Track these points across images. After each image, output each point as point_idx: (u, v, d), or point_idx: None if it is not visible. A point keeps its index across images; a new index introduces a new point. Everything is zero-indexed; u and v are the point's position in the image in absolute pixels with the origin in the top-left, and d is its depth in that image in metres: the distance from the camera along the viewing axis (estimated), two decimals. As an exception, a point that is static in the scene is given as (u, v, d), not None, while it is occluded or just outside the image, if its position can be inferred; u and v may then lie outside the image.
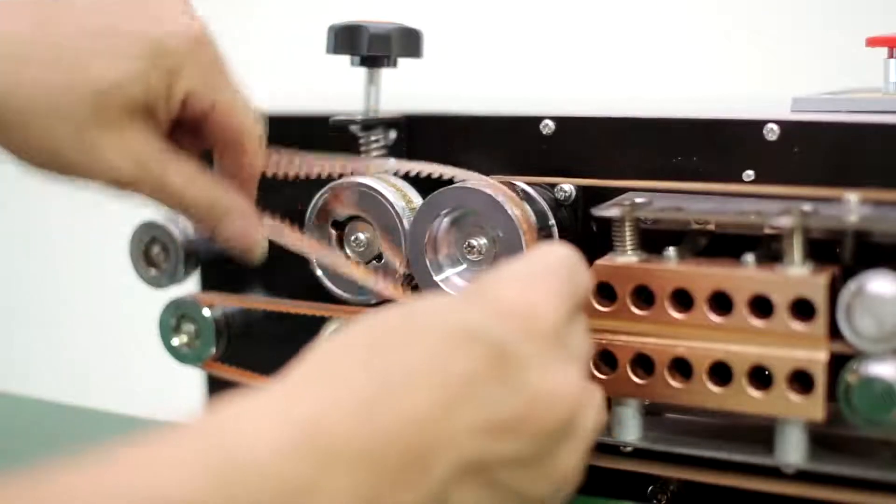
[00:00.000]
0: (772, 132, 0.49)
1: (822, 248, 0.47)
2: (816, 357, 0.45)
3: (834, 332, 0.45)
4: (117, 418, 0.60)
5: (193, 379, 0.66)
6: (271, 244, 0.55)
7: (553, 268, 0.40)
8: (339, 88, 0.62)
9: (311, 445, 0.33)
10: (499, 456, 0.36)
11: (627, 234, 0.49)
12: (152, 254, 0.60)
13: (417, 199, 0.54)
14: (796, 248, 0.46)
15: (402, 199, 0.55)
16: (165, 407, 0.66)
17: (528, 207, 0.51)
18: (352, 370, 0.36)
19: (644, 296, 0.48)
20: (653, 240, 0.49)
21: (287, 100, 0.60)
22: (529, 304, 0.38)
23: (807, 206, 0.46)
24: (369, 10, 0.59)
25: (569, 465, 0.38)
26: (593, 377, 0.49)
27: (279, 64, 1.05)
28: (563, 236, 0.52)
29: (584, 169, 0.53)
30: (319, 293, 0.57)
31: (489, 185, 0.51)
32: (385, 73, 0.58)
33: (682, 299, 0.47)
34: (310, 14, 0.82)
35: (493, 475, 0.36)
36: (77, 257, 1.44)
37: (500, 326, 0.37)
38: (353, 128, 0.57)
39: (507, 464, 0.36)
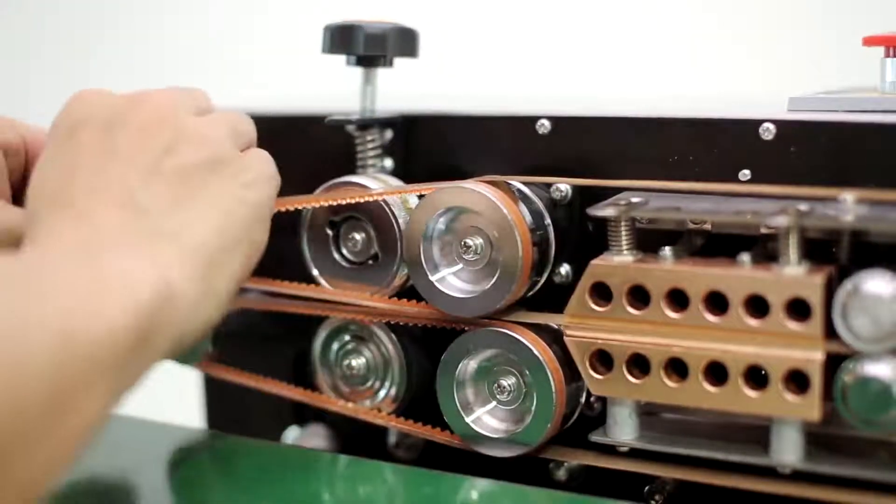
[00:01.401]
0: (768, 131, 0.49)
1: (819, 248, 0.47)
2: (812, 357, 0.45)
3: (830, 332, 0.45)
4: (115, 418, 0.60)
5: (190, 379, 0.66)
6: (270, 242, 0.55)
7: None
8: (335, 88, 0.62)
9: None
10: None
11: (623, 233, 0.49)
12: None
13: (413, 199, 0.54)
14: (792, 248, 0.46)
15: (398, 199, 0.55)
16: (162, 407, 0.66)
17: (523, 207, 0.51)
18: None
19: (640, 295, 0.48)
20: (649, 239, 0.49)
21: (283, 99, 0.60)
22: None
23: (803, 206, 0.46)
24: (365, 9, 0.58)
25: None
26: (590, 377, 0.49)
27: (275, 63, 1.05)
28: (558, 236, 0.52)
29: (580, 168, 0.53)
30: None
31: (485, 184, 0.51)
32: (381, 72, 0.58)
33: (678, 299, 0.47)
34: (306, 13, 0.82)
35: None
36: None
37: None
38: (350, 127, 0.57)
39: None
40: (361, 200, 0.54)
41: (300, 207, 0.56)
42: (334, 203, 0.55)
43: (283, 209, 0.55)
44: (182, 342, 0.43)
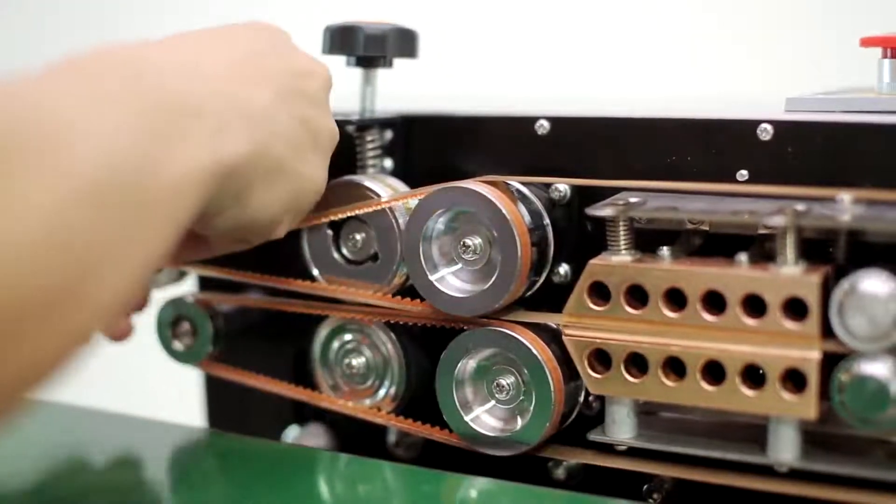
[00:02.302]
0: (765, 132, 0.49)
1: (816, 248, 0.47)
2: (809, 356, 0.45)
3: (827, 331, 0.45)
4: (114, 418, 0.60)
5: (191, 378, 0.66)
6: (273, 242, 0.55)
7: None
8: (334, 89, 0.62)
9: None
10: (301, 91, 0.49)
11: (622, 233, 0.49)
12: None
13: (413, 199, 0.54)
14: (789, 248, 0.46)
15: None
16: (163, 406, 0.66)
17: (522, 207, 0.51)
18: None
19: (638, 295, 0.48)
20: (647, 239, 0.50)
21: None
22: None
23: (800, 206, 0.46)
24: (365, 10, 0.59)
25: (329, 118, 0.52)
26: (589, 376, 0.50)
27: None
28: (557, 236, 0.53)
29: (578, 169, 0.53)
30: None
31: (484, 185, 0.51)
32: (381, 73, 0.58)
33: (676, 298, 0.48)
34: (306, 14, 0.82)
35: (299, 108, 0.48)
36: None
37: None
38: (349, 128, 0.57)
39: (305, 99, 0.49)
40: (368, 210, 0.54)
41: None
42: (342, 216, 0.55)
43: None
44: (222, 227, 0.46)
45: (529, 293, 0.53)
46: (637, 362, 0.49)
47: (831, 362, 0.45)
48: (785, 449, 0.47)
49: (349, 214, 0.55)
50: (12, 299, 0.33)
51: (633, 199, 0.49)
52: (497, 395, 0.52)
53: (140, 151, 0.37)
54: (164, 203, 0.38)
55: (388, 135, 0.58)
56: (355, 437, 0.61)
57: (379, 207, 0.54)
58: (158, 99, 0.39)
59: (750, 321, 0.46)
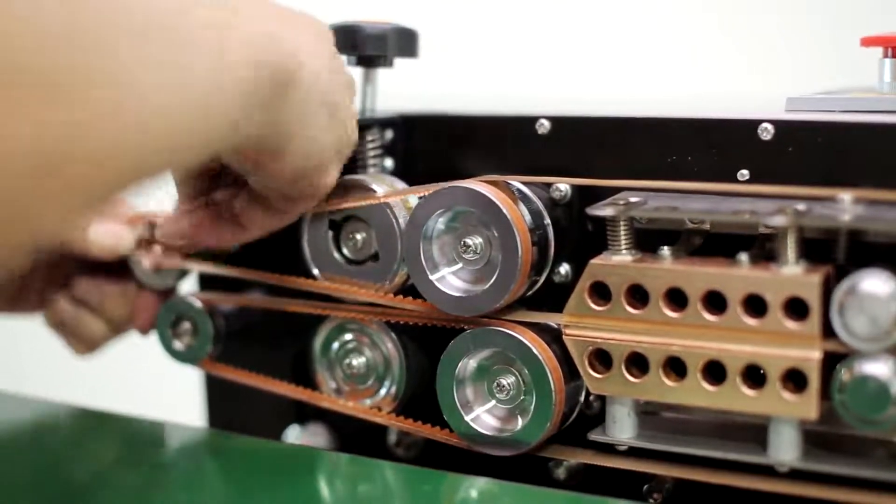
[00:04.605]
0: (766, 132, 0.49)
1: (816, 248, 0.47)
2: (810, 356, 0.45)
3: (827, 331, 0.45)
4: (114, 418, 0.60)
5: (191, 378, 0.66)
6: (270, 242, 0.55)
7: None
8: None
9: None
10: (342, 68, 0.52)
11: (622, 233, 0.49)
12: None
13: (413, 199, 0.55)
14: (790, 248, 0.46)
15: (398, 199, 0.55)
16: (163, 406, 0.66)
17: (523, 207, 0.51)
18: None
19: (639, 295, 0.48)
20: (647, 239, 0.50)
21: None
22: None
23: (801, 206, 0.46)
24: (366, 10, 0.59)
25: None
26: (589, 376, 0.49)
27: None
28: (558, 235, 0.53)
29: (579, 168, 0.53)
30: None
31: (484, 184, 0.51)
32: (381, 72, 0.58)
33: (677, 298, 0.48)
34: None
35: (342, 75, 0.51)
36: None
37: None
38: (350, 127, 0.57)
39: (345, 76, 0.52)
40: (364, 204, 0.54)
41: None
42: (338, 208, 0.55)
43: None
44: (288, 167, 0.49)
45: (530, 293, 0.53)
46: (638, 362, 0.49)
47: (832, 362, 0.45)
48: (786, 449, 0.47)
49: (344, 206, 0.55)
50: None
51: (633, 199, 0.49)
52: (497, 395, 0.52)
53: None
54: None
55: (389, 134, 0.58)
56: (356, 436, 0.61)
57: (376, 203, 0.54)
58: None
59: (750, 321, 0.46)
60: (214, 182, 0.54)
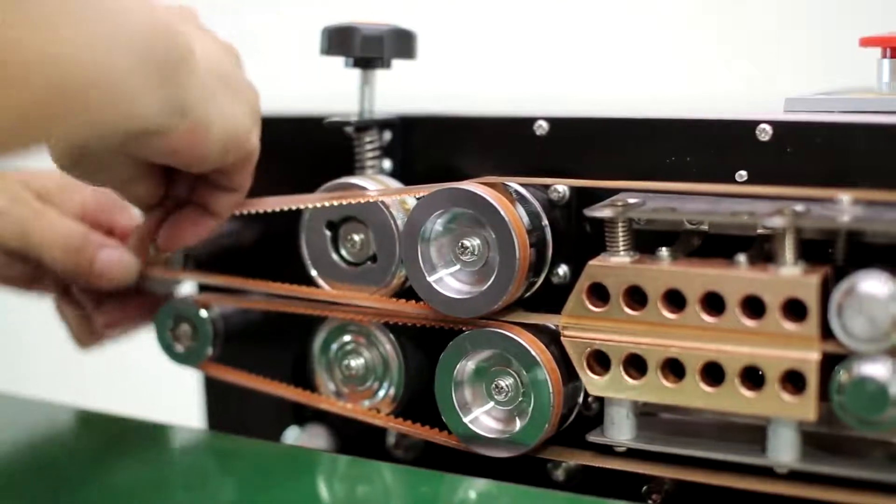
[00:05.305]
0: (764, 132, 0.49)
1: (815, 249, 0.47)
2: (808, 357, 0.45)
3: (826, 332, 0.45)
4: (114, 419, 0.60)
5: (190, 379, 0.66)
6: (271, 243, 0.55)
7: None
8: (333, 89, 0.62)
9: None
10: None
11: (620, 234, 0.49)
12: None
13: (411, 200, 0.54)
14: (788, 249, 0.46)
15: (396, 200, 0.55)
16: (162, 407, 0.66)
17: (521, 208, 0.51)
18: None
19: (637, 296, 0.48)
20: (646, 240, 0.50)
21: (281, 101, 0.60)
22: None
23: (799, 207, 0.46)
24: (363, 11, 0.59)
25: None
26: (588, 377, 0.49)
27: (274, 65, 1.05)
28: (556, 237, 0.53)
29: (577, 169, 0.53)
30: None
31: (482, 186, 0.51)
32: (379, 73, 0.58)
33: (675, 299, 0.47)
34: (304, 15, 0.82)
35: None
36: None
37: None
38: (348, 129, 0.57)
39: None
40: (361, 202, 0.54)
41: (299, 207, 0.56)
42: (333, 203, 0.55)
43: (282, 210, 0.56)
44: (215, 141, 0.50)
45: (528, 294, 0.53)
46: (636, 363, 0.49)
47: (831, 363, 0.45)
48: (784, 450, 0.47)
49: (341, 202, 0.55)
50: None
51: (631, 200, 0.49)
52: (496, 397, 0.52)
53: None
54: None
55: (387, 136, 0.58)
56: (355, 438, 0.61)
57: (374, 204, 0.54)
58: None
59: (749, 322, 0.46)
60: (170, 187, 0.56)
